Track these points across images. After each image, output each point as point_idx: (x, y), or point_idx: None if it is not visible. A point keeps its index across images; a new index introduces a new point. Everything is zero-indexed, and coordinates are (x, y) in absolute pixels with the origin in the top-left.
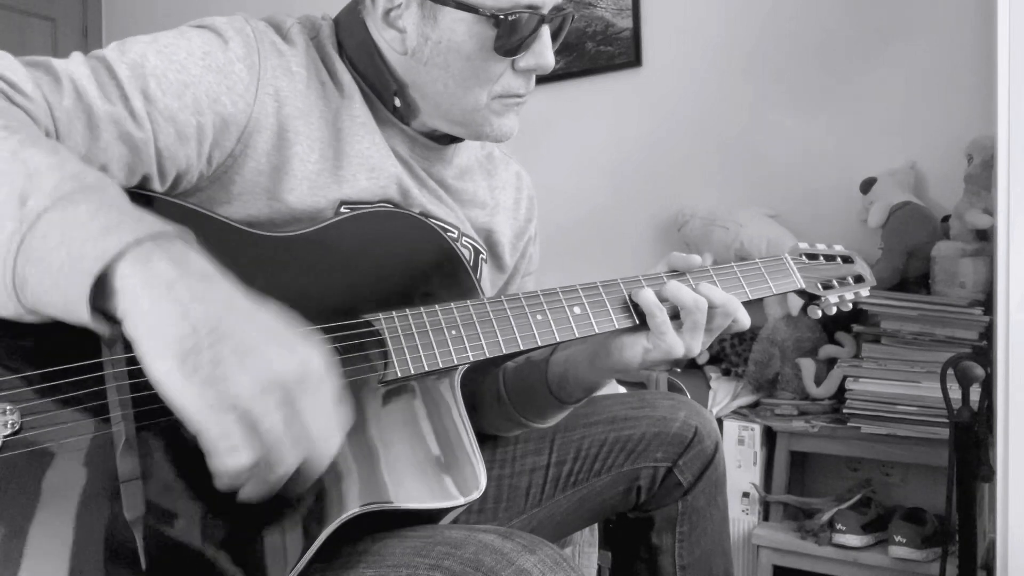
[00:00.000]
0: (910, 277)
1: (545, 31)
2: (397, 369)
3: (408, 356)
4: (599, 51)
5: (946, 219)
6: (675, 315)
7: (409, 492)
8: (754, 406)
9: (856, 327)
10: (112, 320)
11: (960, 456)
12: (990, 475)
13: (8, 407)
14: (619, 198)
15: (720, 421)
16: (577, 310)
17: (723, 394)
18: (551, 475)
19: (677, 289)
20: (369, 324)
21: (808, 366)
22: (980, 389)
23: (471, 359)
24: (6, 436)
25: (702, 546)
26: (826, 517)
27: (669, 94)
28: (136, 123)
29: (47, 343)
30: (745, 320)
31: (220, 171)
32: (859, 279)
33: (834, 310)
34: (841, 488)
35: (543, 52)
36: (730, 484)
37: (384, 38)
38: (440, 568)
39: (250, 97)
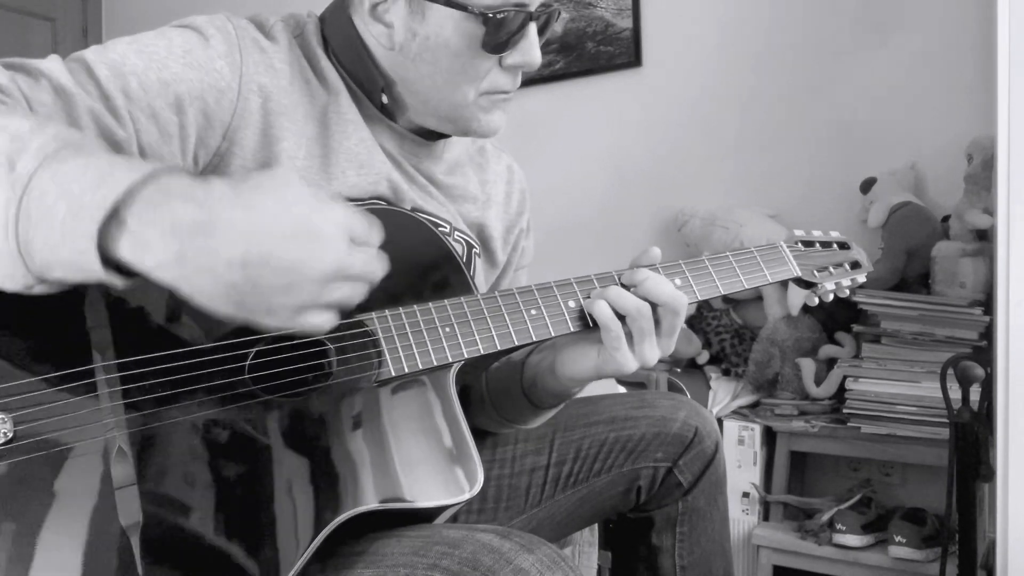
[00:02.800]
0: (910, 277)
1: (532, 29)
2: (391, 368)
3: (402, 355)
4: (599, 51)
5: (946, 219)
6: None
7: (408, 490)
8: (754, 406)
9: (856, 327)
10: (123, 272)
11: (960, 456)
12: (990, 475)
13: (2, 416)
14: (619, 198)
15: (720, 421)
16: (572, 304)
17: (723, 394)
18: (551, 475)
19: (619, 295)
20: (362, 324)
21: (808, 366)
22: (980, 389)
23: (465, 356)
24: (1, 444)
25: (702, 546)
26: (826, 517)
27: (669, 94)
28: (118, 122)
29: (39, 350)
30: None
31: (207, 169)
32: (855, 265)
33: (831, 297)
34: (841, 488)
35: (530, 50)
36: (730, 484)
37: (371, 33)
38: (438, 568)
39: (232, 94)
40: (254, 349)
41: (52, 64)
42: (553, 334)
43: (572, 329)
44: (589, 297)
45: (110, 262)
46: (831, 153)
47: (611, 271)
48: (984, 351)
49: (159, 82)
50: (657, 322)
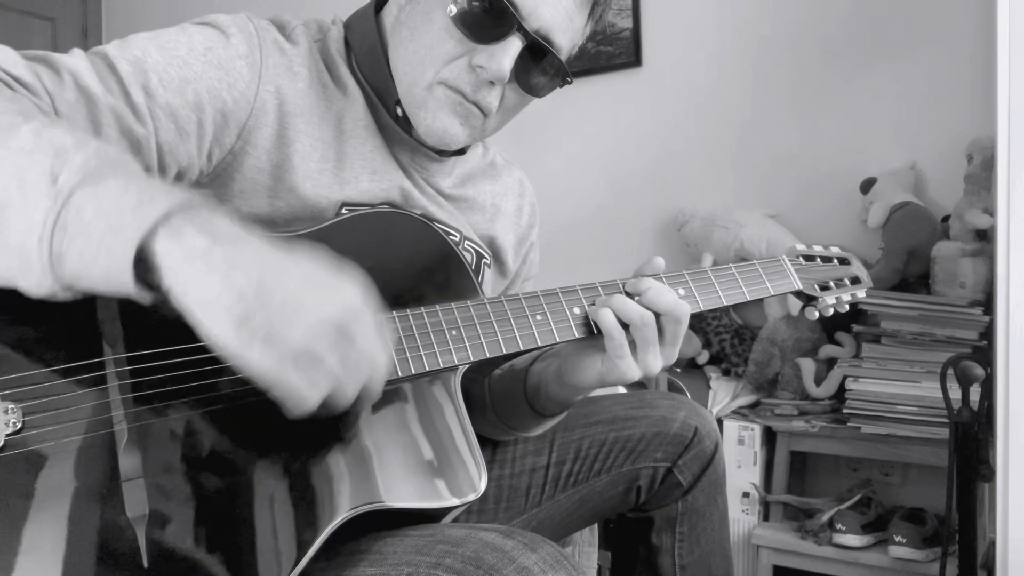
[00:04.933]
0: (910, 277)
1: (513, 42)
2: (398, 369)
3: (408, 356)
4: (599, 51)
5: (946, 219)
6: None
7: (405, 492)
8: (754, 406)
9: (856, 327)
10: (152, 288)
11: (960, 456)
12: (990, 475)
13: (11, 406)
14: (619, 198)
15: (720, 421)
16: (576, 311)
17: (723, 394)
18: (551, 475)
19: (623, 304)
20: None
21: (808, 366)
22: (980, 389)
23: (471, 359)
24: (8, 435)
25: (702, 546)
26: (826, 517)
27: (669, 94)
28: (137, 119)
29: (50, 342)
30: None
31: (220, 168)
32: (855, 280)
33: (831, 311)
34: (841, 488)
35: (500, 58)
36: (730, 484)
37: (392, 14)
38: (441, 566)
39: (251, 94)
40: None
41: (76, 61)
42: (558, 340)
43: (577, 336)
44: (594, 304)
45: (140, 277)
46: (831, 153)
47: (615, 279)
48: (984, 351)
49: (179, 80)
50: (660, 331)
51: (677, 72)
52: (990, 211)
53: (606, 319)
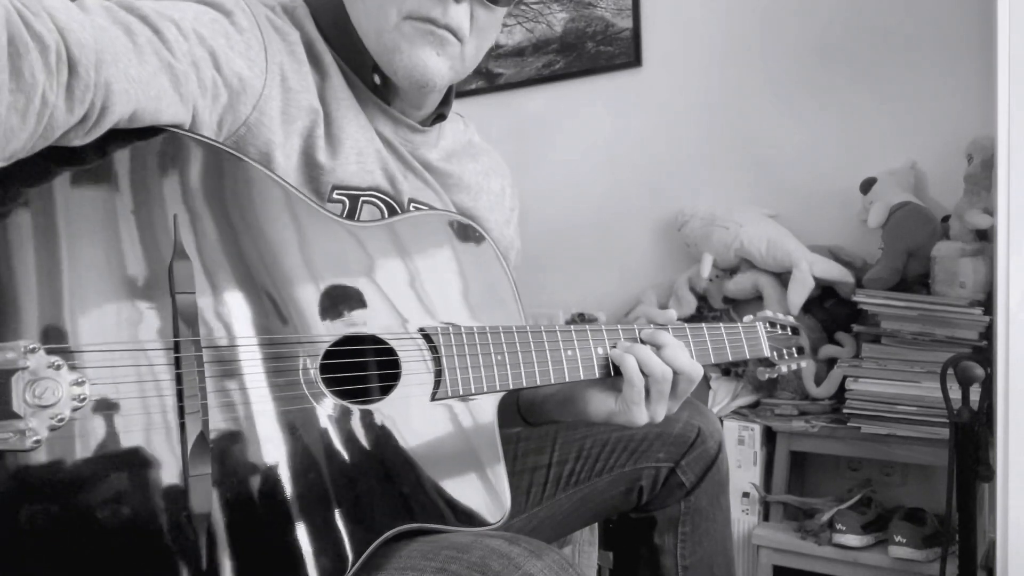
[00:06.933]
0: (910, 277)
1: None
2: (448, 388)
3: (459, 376)
4: (599, 51)
5: (946, 219)
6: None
7: (447, 512)
8: (754, 406)
9: (856, 327)
10: None
11: (960, 456)
12: (990, 475)
13: (79, 377)
14: (619, 198)
15: (720, 421)
16: (600, 351)
17: (723, 394)
18: (552, 474)
19: (647, 356)
20: (430, 338)
21: (808, 366)
22: (980, 389)
23: (511, 387)
24: (74, 408)
25: (704, 546)
26: (826, 517)
27: (669, 94)
28: (173, 56)
29: (130, 320)
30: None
31: (232, 139)
32: (801, 351)
33: (776, 376)
34: (841, 488)
35: None
36: (730, 484)
37: None
38: (447, 572)
39: (262, 63)
40: (324, 347)
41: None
42: (582, 377)
43: (598, 375)
44: (615, 347)
45: None
46: (831, 153)
47: (632, 326)
48: (984, 351)
49: (196, 34)
50: (673, 386)
51: (677, 72)
52: (990, 211)
53: (630, 366)
